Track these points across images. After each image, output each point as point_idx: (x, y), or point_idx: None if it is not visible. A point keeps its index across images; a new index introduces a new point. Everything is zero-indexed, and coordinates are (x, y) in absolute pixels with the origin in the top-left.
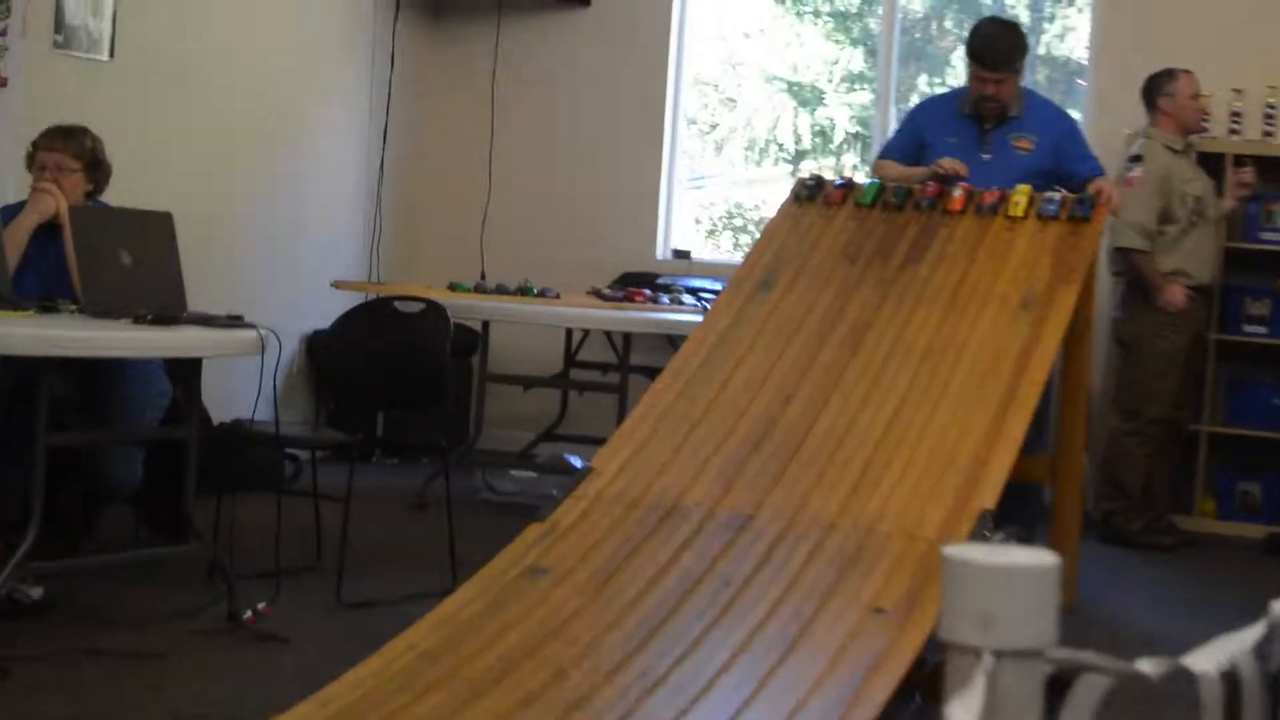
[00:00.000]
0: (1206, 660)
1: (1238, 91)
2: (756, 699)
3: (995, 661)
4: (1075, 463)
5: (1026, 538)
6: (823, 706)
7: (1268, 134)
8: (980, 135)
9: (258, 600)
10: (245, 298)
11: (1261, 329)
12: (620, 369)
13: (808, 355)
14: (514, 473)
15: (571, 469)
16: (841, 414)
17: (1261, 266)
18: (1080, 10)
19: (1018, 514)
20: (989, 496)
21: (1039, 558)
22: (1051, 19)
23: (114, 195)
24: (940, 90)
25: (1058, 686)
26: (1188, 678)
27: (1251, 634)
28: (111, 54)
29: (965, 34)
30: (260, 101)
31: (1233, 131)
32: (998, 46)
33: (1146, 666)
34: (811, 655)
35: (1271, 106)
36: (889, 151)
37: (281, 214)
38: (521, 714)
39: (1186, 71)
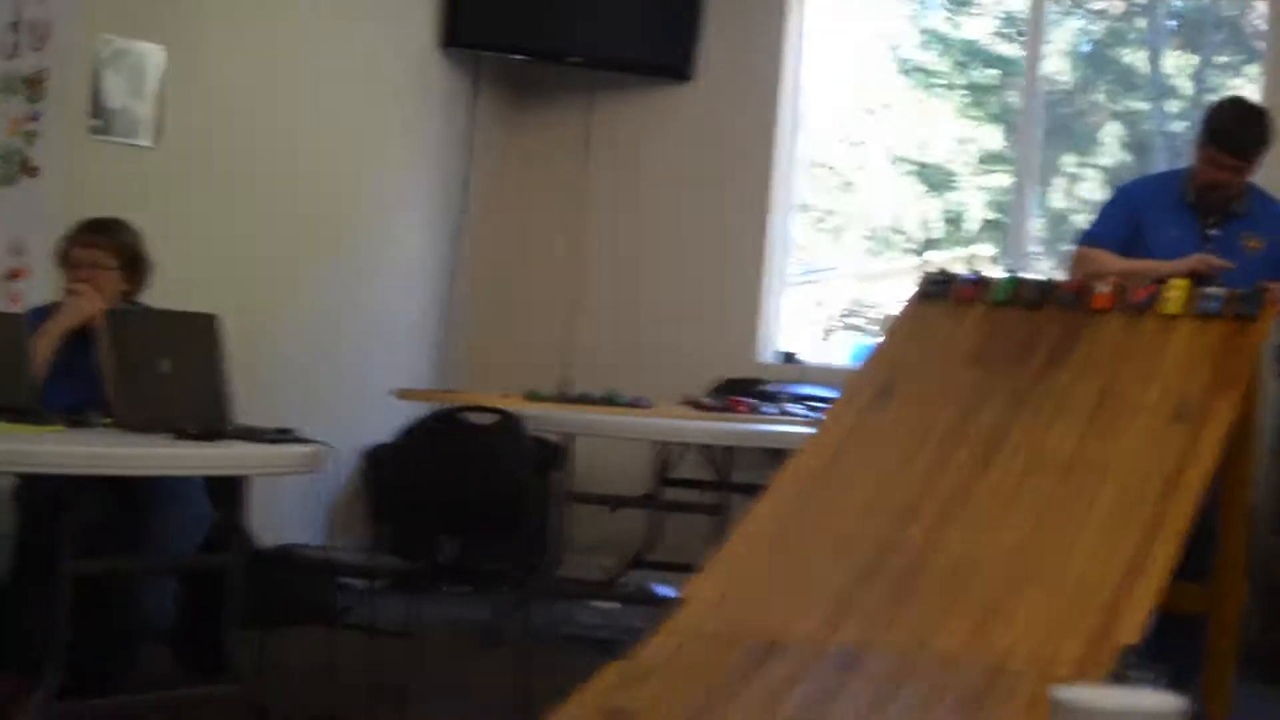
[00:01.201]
0: None
1: None
2: None
3: None
4: (1233, 591)
5: (1181, 679)
6: None
7: None
8: (1203, 230)
9: None
10: (296, 408)
11: None
12: (719, 487)
13: (931, 473)
14: (597, 604)
15: (659, 600)
16: (969, 539)
17: None
18: (1251, 80)
19: (1176, 652)
20: (1131, 631)
21: (1160, 701)
22: (1215, 90)
23: (154, 295)
24: (1089, 171)
25: None
26: None
27: None
28: (155, 140)
29: (1116, 107)
30: (319, 193)
31: None
32: (1247, 130)
33: None
34: None
35: None
36: (1095, 239)
37: (339, 316)
38: None
39: None
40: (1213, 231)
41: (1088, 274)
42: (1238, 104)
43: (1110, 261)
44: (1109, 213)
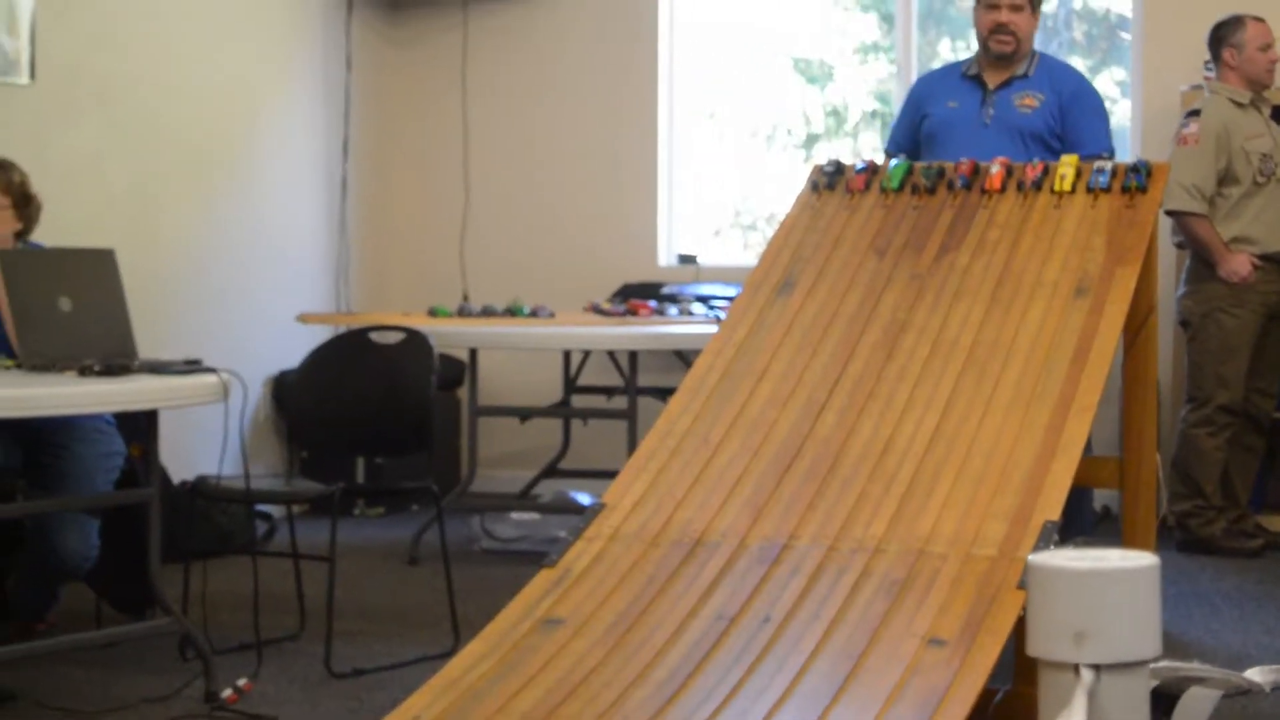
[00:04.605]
0: None
1: None
2: None
3: (1095, 677)
4: (1146, 464)
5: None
6: None
7: None
8: (984, 98)
9: (238, 677)
10: (199, 339)
11: None
12: (627, 392)
13: (838, 363)
14: (515, 516)
15: (580, 507)
16: (881, 426)
17: None
18: None
19: (1074, 524)
20: (1052, 508)
21: (1134, 559)
22: None
23: (45, 234)
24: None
25: (1161, 703)
26: None
27: None
28: (32, 75)
29: None
30: (200, 120)
31: None
32: None
33: (1259, 676)
34: (865, 697)
35: None
36: (892, 138)
37: (234, 243)
38: None
39: (1257, 19)
40: (993, 96)
41: None
42: None
43: None
44: (901, 111)
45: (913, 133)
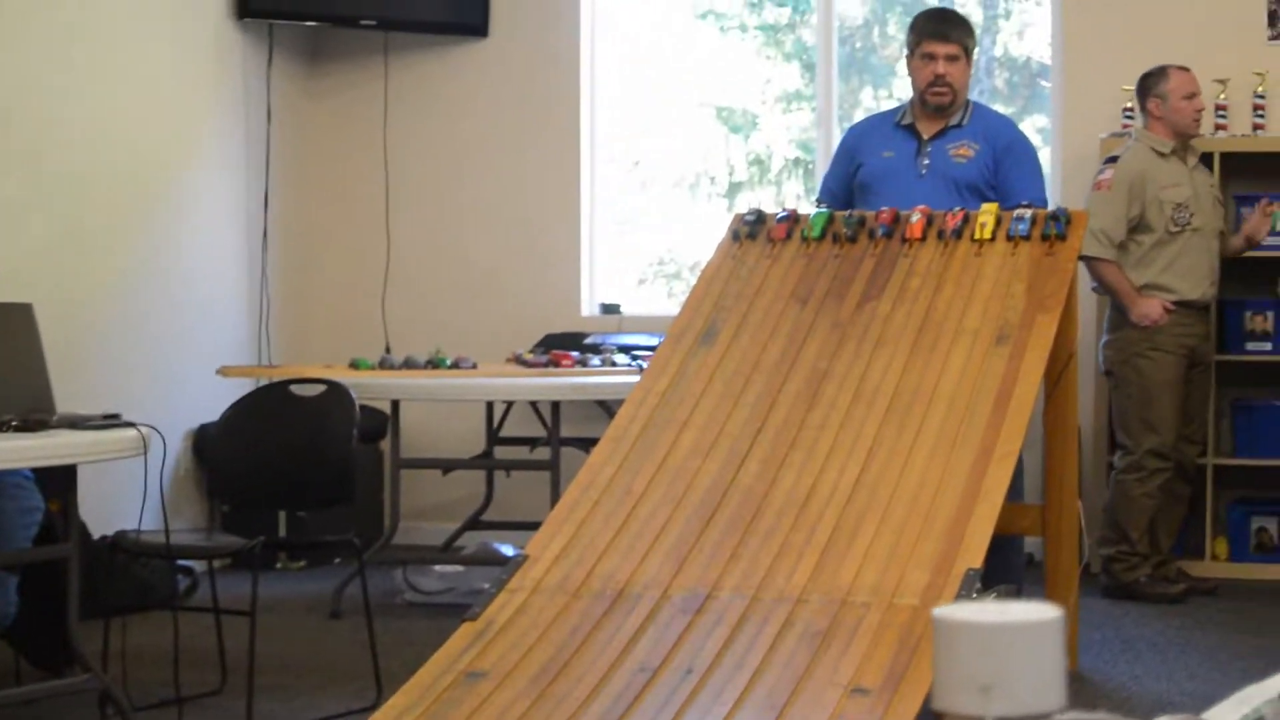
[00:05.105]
0: (1229, 713)
1: (1221, 82)
2: None
3: None
4: (1067, 511)
5: (1017, 596)
6: None
7: (1258, 127)
8: (919, 148)
9: None
10: (118, 393)
11: (1265, 345)
12: (550, 443)
13: (760, 412)
14: (438, 568)
15: (503, 559)
16: (803, 475)
17: (1261, 276)
18: (1039, 3)
19: (1001, 572)
20: (974, 556)
21: (1039, 611)
22: (1007, 15)
23: None
24: (888, 105)
25: None
26: None
27: (1276, 682)
28: None
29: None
30: (121, 172)
31: (1219, 127)
32: (946, 14)
33: None
34: None
35: (1260, 96)
36: (825, 187)
37: (153, 295)
38: None
39: (1181, 68)
40: (928, 147)
41: None
42: (933, 7)
43: None
44: (834, 160)
45: (846, 182)
